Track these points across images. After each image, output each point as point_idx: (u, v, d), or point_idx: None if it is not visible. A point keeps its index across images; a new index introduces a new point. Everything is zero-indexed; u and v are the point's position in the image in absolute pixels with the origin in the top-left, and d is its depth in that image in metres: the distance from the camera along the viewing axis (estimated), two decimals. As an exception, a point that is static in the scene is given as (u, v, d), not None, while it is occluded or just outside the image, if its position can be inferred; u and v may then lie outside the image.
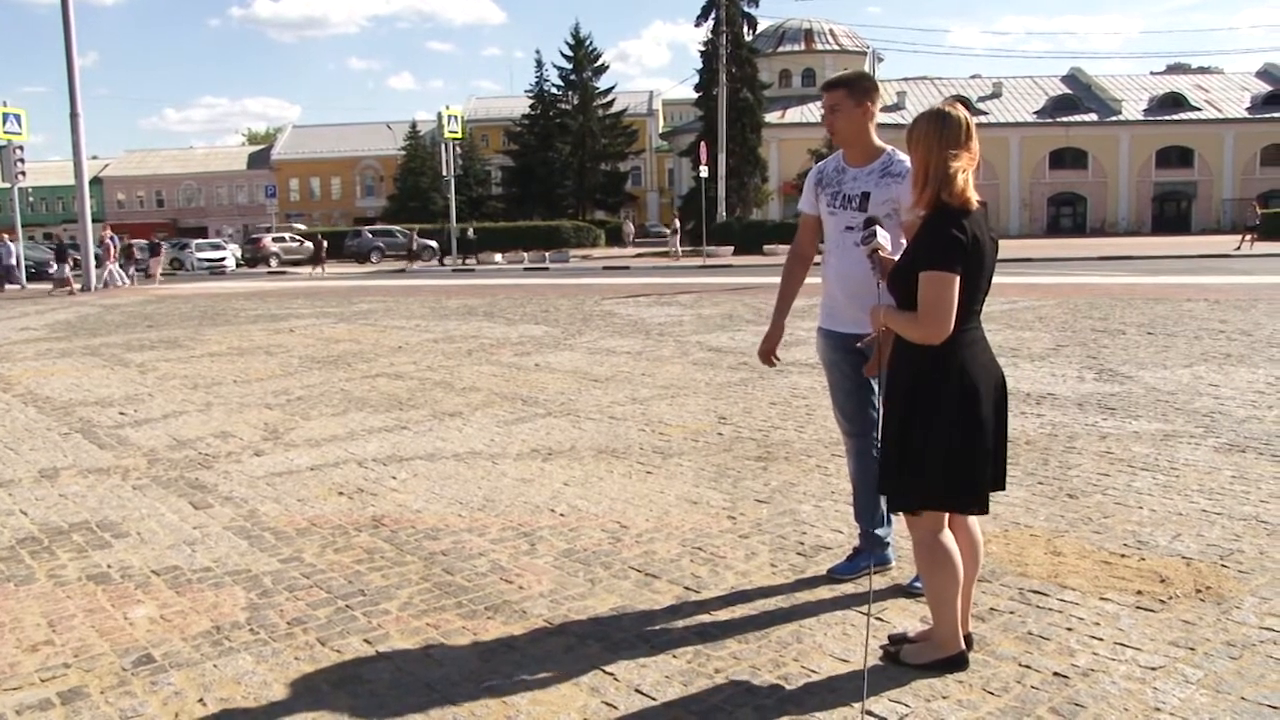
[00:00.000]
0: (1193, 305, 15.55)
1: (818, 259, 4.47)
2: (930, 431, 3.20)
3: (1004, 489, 3.47)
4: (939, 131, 3.17)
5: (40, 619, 4.09)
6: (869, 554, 4.28)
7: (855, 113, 4.09)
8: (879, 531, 4.29)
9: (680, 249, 44.94)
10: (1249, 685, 3.22)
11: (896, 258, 3.36)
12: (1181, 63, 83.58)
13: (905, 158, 4.01)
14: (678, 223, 47.42)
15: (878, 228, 3.44)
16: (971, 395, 3.20)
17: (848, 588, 4.16)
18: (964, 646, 3.40)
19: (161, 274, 36.39)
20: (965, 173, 3.15)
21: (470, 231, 48.21)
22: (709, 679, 3.39)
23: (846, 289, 4.13)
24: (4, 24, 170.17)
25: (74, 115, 30.11)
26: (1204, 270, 25.44)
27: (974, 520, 3.46)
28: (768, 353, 4.51)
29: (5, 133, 32.94)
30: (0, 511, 5.72)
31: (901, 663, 3.41)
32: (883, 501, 3.96)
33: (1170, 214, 67.84)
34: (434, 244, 48.51)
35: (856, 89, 4.09)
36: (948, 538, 3.35)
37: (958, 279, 3.09)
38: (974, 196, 3.17)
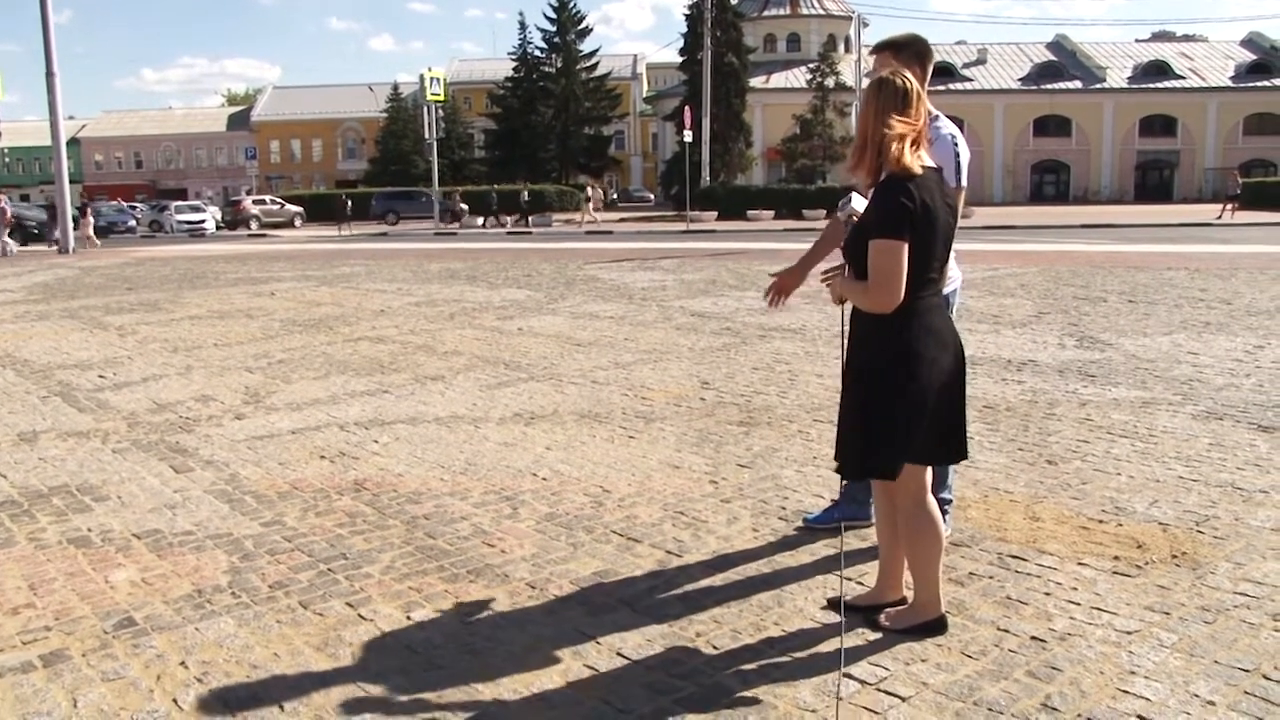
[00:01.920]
0: (1173, 274, 15.63)
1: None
2: (891, 395, 3.20)
3: (966, 458, 3.48)
4: (876, 98, 3.18)
5: (21, 582, 4.08)
6: (843, 506, 4.31)
7: None
8: (858, 491, 4.31)
9: (596, 217, 42.24)
10: (1222, 649, 3.26)
11: None
12: (1167, 30, 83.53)
13: (946, 124, 3.95)
14: (591, 189, 45.01)
15: (854, 194, 3.43)
16: (929, 358, 3.19)
17: (828, 552, 4.18)
18: (943, 611, 3.43)
19: (93, 237, 34.57)
20: (903, 140, 3.13)
21: (525, 193, 47.52)
22: (690, 642, 3.41)
23: None
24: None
25: (50, 75, 29.68)
26: (1185, 239, 25.55)
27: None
28: (777, 287, 4.16)
29: (-19, 92, 32.51)
30: (-21, 474, 5.69)
31: (882, 628, 3.44)
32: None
33: (1153, 182, 68.05)
34: (466, 206, 48.23)
35: (906, 52, 3.94)
36: (931, 504, 3.37)
37: (906, 246, 3.09)
38: (914, 163, 3.14)
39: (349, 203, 44.09)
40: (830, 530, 4.33)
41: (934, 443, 3.30)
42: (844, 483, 4.37)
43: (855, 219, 3.38)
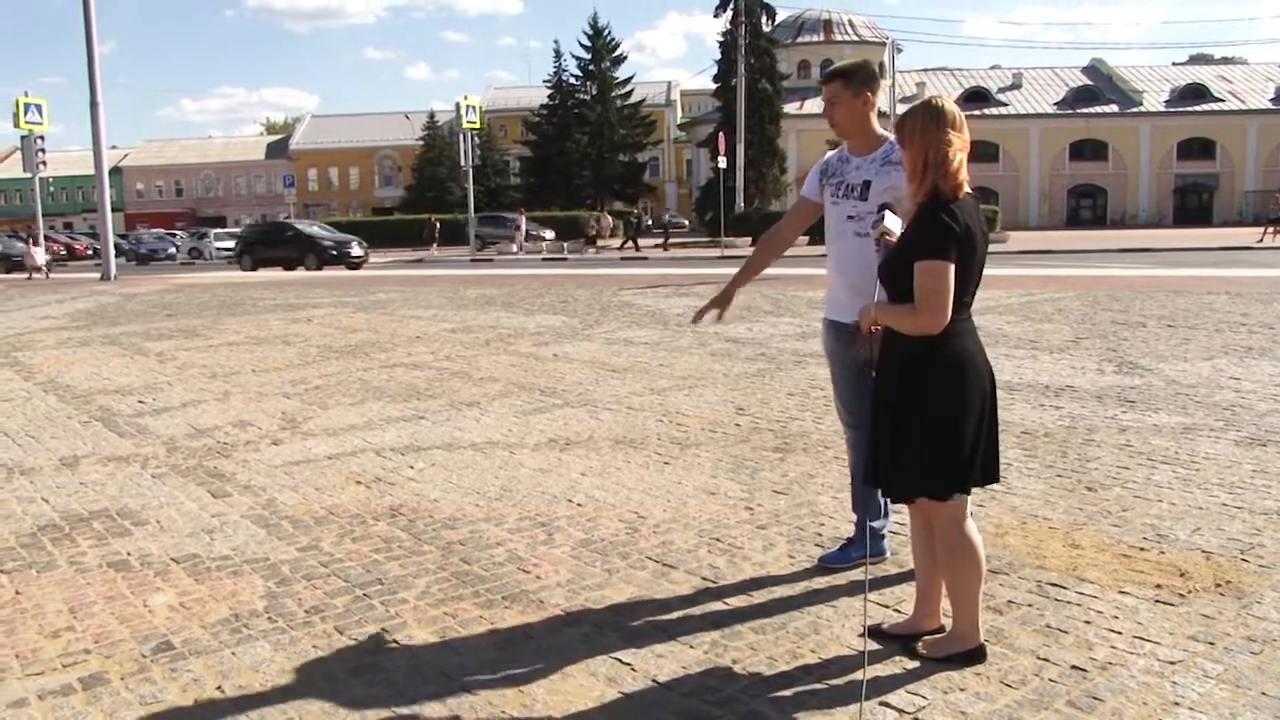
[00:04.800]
0: (1214, 298, 15.43)
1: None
2: (924, 417, 3.19)
3: (997, 480, 3.44)
4: (936, 121, 3.17)
5: (61, 605, 4.12)
6: (861, 544, 4.27)
7: (854, 103, 4.07)
8: (874, 524, 4.28)
9: (527, 246, 42.14)
10: (1270, 680, 3.20)
11: None
12: (1204, 53, 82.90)
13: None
14: (523, 218, 44.92)
15: (888, 212, 3.39)
16: (962, 380, 3.18)
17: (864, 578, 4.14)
18: (982, 640, 3.38)
19: (43, 268, 33.74)
20: (961, 156, 3.14)
21: (668, 216, 47.38)
22: (726, 669, 3.39)
23: (847, 279, 4.10)
24: (21, 15, 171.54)
25: (94, 105, 30.19)
26: (1225, 263, 25.24)
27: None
28: (701, 311, 4.57)
29: (26, 123, 33.10)
30: (22, 499, 5.76)
31: (920, 656, 3.40)
32: (879, 493, 3.99)
33: (1191, 206, 67.35)
34: (551, 233, 48.57)
35: (854, 80, 4.08)
36: (971, 529, 3.34)
37: (952, 267, 3.08)
38: (965, 183, 3.17)
39: (438, 225, 44.80)
40: (860, 561, 4.28)
41: (969, 466, 3.28)
42: (856, 520, 4.35)
43: (889, 238, 3.34)
